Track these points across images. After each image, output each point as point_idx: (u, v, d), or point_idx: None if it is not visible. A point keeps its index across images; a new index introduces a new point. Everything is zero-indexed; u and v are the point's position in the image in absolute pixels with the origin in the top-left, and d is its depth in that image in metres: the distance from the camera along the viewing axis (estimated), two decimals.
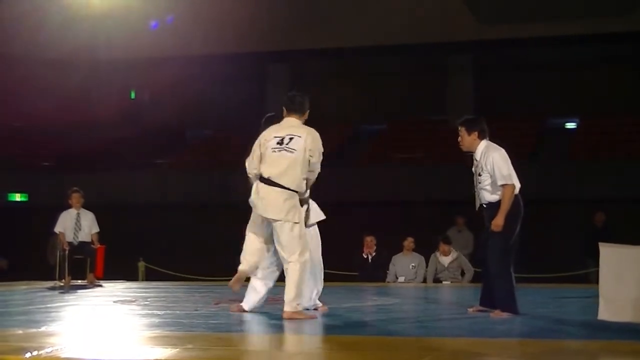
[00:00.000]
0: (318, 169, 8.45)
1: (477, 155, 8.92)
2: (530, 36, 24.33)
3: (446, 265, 15.47)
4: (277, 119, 8.67)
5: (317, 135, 8.37)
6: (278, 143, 8.24)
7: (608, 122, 24.76)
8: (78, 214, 14.95)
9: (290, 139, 8.22)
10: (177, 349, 6.37)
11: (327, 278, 17.68)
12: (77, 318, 8.99)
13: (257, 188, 8.25)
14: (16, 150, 26.01)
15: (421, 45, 25.42)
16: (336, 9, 25.40)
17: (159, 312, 8.92)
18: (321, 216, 9.08)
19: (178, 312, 9.10)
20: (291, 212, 8.16)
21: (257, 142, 8.46)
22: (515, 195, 8.72)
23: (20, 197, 24.56)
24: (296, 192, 8.24)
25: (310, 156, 8.26)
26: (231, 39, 25.43)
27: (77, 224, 14.91)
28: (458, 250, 16.15)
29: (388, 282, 15.70)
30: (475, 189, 8.95)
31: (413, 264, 15.80)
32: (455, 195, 21.13)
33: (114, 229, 16.92)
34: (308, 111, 8.51)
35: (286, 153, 8.20)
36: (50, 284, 14.62)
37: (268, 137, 8.35)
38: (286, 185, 8.17)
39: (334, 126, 27.31)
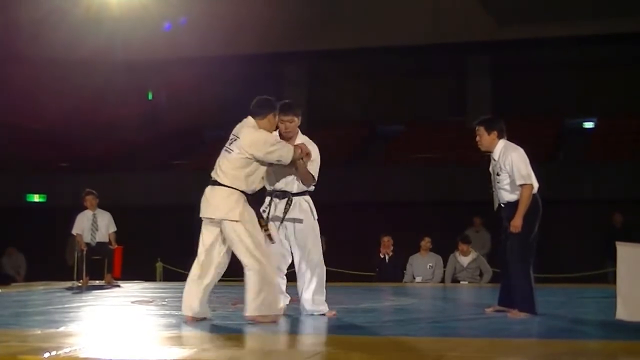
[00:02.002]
0: (276, 158, 8.11)
1: (496, 154, 8.90)
2: (548, 36, 24.27)
3: (465, 266, 15.42)
4: (286, 105, 8.59)
5: (254, 133, 8.10)
6: (228, 143, 8.20)
7: (626, 123, 24.66)
8: (94, 214, 15.00)
9: (233, 140, 8.13)
10: (195, 350, 6.38)
11: (346, 278, 17.70)
12: (95, 318, 9.01)
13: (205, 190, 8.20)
14: (35, 152, 26.13)
15: (439, 45, 25.39)
16: (354, 9, 25.40)
17: (176, 313, 8.92)
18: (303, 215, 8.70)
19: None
20: (233, 211, 7.99)
21: None
22: (534, 195, 8.70)
23: (39, 198, 24.68)
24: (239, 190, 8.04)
25: (252, 153, 8.03)
26: (248, 39, 25.46)
27: (93, 225, 14.96)
28: (476, 250, 16.11)
29: (405, 282, 15.68)
30: (494, 189, 8.93)
31: (430, 264, 15.77)
32: (472, 196, 21.09)
33: (131, 229, 16.95)
34: (270, 115, 8.24)
35: (226, 153, 8.12)
36: (68, 284, 14.67)
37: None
38: (227, 184, 8.02)
39: (351, 127, 27.35)
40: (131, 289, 13.62)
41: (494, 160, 8.93)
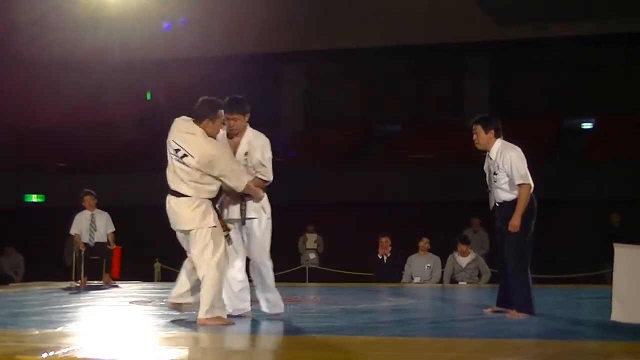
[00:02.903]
0: (219, 166, 8.06)
1: (493, 153, 8.89)
2: (547, 36, 24.27)
3: (464, 266, 15.42)
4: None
5: (207, 150, 8.07)
6: (174, 151, 8.26)
7: (624, 122, 24.68)
8: (92, 215, 14.99)
9: (182, 153, 8.12)
10: (193, 350, 6.38)
11: (344, 279, 17.72)
12: (93, 318, 9.01)
13: None
14: (33, 152, 26.13)
15: (437, 46, 25.39)
16: (351, 9, 25.39)
17: (174, 313, 8.92)
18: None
19: (194, 312, 9.10)
20: (205, 219, 8.05)
21: None
22: (532, 195, 8.69)
23: (37, 198, 24.67)
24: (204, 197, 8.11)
25: (206, 171, 8.05)
26: (247, 40, 25.45)
27: (92, 225, 14.95)
28: (475, 251, 16.11)
29: (403, 282, 15.68)
30: (490, 188, 8.93)
31: (428, 265, 15.77)
32: (470, 196, 21.10)
33: (130, 230, 16.94)
34: (214, 117, 8.14)
35: (180, 164, 8.15)
36: (66, 284, 14.67)
37: None
38: (190, 195, 8.09)
39: (349, 127, 27.33)
40: (129, 289, 13.62)
41: (491, 159, 8.93)
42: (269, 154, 8.67)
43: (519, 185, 8.65)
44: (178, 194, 8.06)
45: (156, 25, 25.05)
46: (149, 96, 29.68)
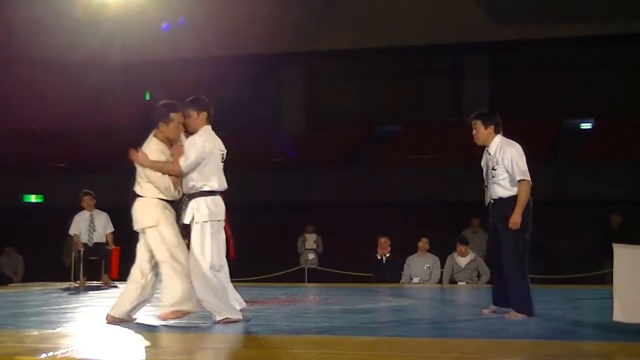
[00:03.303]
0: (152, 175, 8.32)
1: (492, 149, 8.87)
2: (546, 37, 24.26)
3: (463, 267, 15.41)
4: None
5: (147, 145, 8.44)
6: None
7: (624, 123, 24.68)
8: (91, 215, 15.00)
9: None
10: (190, 350, 6.37)
11: (343, 279, 17.72)
12: (91, 319, 9.00)
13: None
14: (32, 152, 26.11)
15: (437, 46, 25.39)
16: (351, 10, 25.38)
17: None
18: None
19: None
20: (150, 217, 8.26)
21: None
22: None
23: (36, 198, 24.66)
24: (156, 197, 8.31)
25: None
26: (246, 40, 25.44)
27: (91, 226, 14.96)
28: (474, 251, 16.10)
29: (402, 283, 15.68)
30: (486, 184, 8.90)
31: (427, 265, 15.76)
32: (470, 196, 21.07)
33: (129, 230, 16.91)
34: (165, 120, 8.36)
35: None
36: (65, 285, 14.67)
37: None
38: (143, 194, 8.38)
39: (348, 128, 27.33)
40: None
41: (489, 154, 8.91)
42: (193, 153, 8.33)
43: (519, 181, 8.62)
44: (136, 195, 8.40)
45: (156, 26, 25.02)
46: (148, 96, 29.64)
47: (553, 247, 19.45)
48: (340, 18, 25.48)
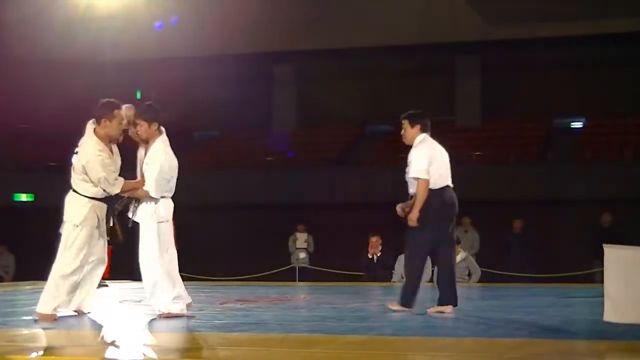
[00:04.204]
0: (92, 172, 8.56)
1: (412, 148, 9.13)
2: (538, 36, 24.30)
3: None
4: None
5: (87, 142, 8.60)
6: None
7: (615, 122, 24.74)
8: None
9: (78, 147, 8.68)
10: (183, 349, 6.36)
11: (334, 278, 17.69)
12: (82, 318, 8.97)
13: None
14: (22, 151, 26.04)
15: (428, 45, 25.41)
16: (343, 9, 25.40)
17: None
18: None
19: (190, 312, 9.10)
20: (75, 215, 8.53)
21: None
22: (437, 193, 8.92)
23: (27, 197, 24.60)
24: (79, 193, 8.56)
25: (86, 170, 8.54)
26: (237, 39, 25.44)
27: None
28: (465, 250, 16.10)
29: (394, 281, 15.67)
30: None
31: None
32: (461, 195, 21.15)
33: (122, 229, 16.88)
34: (109, 117, 8.57)
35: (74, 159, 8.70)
36: None
37: None
38: (76, 190, 8.61)
39: (340, 127, 27.35)
40: (119, 289, 13.58)
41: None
42: (157, 165, 8.68)
43: (416, 179, 8.86)
44: (70, 189, 8.61)
45: (147, 25, 25.00)
46: (139, 95, 29.61)
47: (544, 246, 19.45)
48: (332, 17, 25.49)
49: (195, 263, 19.89)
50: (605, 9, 23.35)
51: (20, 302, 11.21)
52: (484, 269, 15.94)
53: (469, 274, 15.54)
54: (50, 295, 8.35)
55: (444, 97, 26.70)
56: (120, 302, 10.80)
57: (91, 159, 8.38)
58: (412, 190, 9.06)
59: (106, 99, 8.56)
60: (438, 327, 8.09)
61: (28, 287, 14.34)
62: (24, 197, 24.60)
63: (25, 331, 7.47)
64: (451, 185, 9.24)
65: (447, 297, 9.02)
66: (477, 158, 22.55)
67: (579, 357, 6.25)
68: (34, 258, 20.88)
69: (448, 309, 8.92)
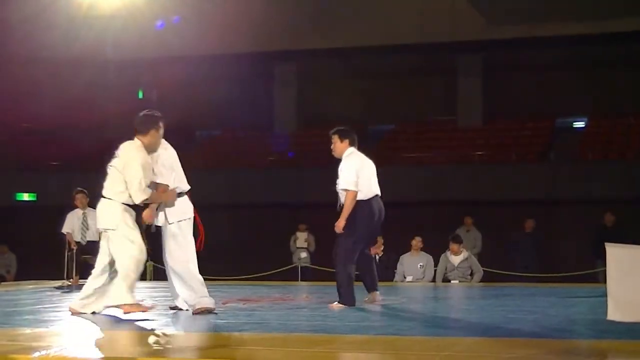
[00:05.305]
0: (130, 177, 8.65)
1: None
2: (539, 36, 24.27)
3: (456, 265, 15.42)
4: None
5: (127, 149, 8.73)
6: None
7: (617, 122, 24.72)
8: (84, 213, 14.97)
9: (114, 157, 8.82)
10: (185, 349, 6.36)
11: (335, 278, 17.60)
12: (84, 318, 8.98)
13: None
14: (24, 150, 26.08)
15: (430, 45, 25.37)
16: (344, 8, 25.37)
17: (166, 312, 8.91)
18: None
19: (185, 311, 9.10)
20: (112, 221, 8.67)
21: None
22: (365, 202, 9.67)
23: (29, 196, 24.61)
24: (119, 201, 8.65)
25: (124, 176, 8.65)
26: (239, 38, 25.42)
27: (84, 224, 14.93)
28: (467, 250, 16.11)
29: (396, 281, 15.68)
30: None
31: (421, 264, 15.77)
32: (463, 195, 21.15)
33: None
34: (152, 130, 8.75)
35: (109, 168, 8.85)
36: (58, 283, 14.63)
37: None
38: (107, 196, 8.73)
39: (341, 126, 27.31)
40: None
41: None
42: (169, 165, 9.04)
43: (345, 190, 9.56)
44: (101, 196, 8.78)
45: (149, 24, 25.01)
46: (141, 95, 29.64)
47: (547, 246, 19.45)
48: (333, 17, 25.47)
49: (198, 263, 19.91)
50: (608, 8, 23.32)
51: (22, 301, 11.21)
52: (486, 269, 15.95)
53: (471, 274, 15.56)
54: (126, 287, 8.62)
55: (445, 96, 26.68)
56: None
57: (134, 158, 8.60)
58: (342, 200, 9.68)
59: (149, 111, 8.86)
60: (440, 327, 8.09)
61: (30, 286, 14.34)
62: (25, 197, 24.62)
63: (28, 330, 7.48)
64: (379, 194, 10.02)
65: (373, 284, 10.09)
66: (479, 158, 22.54)
67: (581, 356, 6.24)
68: (35, 257, 20.97)
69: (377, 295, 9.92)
